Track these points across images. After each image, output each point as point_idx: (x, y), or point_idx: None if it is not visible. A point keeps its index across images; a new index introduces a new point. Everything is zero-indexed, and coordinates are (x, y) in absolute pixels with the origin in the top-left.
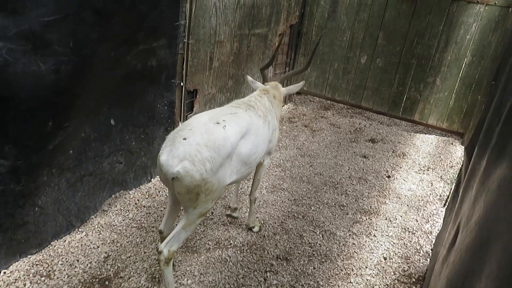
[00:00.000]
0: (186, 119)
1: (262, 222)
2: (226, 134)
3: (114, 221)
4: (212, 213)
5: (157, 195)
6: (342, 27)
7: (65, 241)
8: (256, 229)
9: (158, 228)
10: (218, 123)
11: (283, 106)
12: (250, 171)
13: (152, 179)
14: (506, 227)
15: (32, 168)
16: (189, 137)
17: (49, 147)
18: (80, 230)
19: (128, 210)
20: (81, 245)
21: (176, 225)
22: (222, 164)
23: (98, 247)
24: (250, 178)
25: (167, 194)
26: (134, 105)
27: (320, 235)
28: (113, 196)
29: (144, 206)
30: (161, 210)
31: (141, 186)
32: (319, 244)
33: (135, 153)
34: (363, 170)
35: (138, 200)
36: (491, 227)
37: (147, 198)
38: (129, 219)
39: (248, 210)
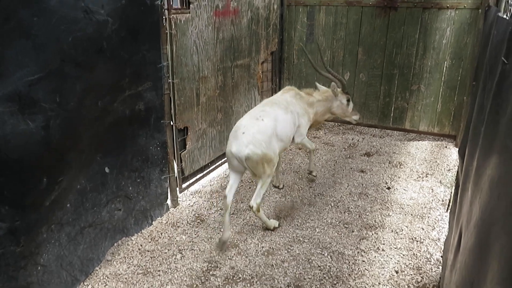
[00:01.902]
0: (180, 158)
1: (269, 248)
2: (266, 124)
3: (119, 270)
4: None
5: (159, 237)
6: (322, 47)
7: None
8: (314, 173)
9: (223, 193)
10: (257, 119)
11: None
12: (286, 144)
13: (153, 222)
14: (501, 228)
15: (31, 227)
16: (245, 131)
17: (46, 203)
18: (85, 283)
19: (132, 257)
20: None
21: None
22: (270, 141)
23: None
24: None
25: (229, 174)
26: (127, 150)
27: (329, 257)
28: (115, 244)
29: (147, 251)
30: (165, 252)
31: (142, 231)
32: (328, 266)
33: (133, 198)
34: (363, 184)
35: (141, 245)
36: (488, 228)
37: (150, 242)
38: (134, 266)
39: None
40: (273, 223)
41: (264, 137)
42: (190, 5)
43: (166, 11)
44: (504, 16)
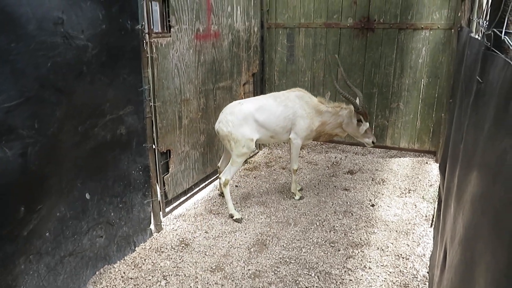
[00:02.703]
0: (163, 181)
1: (256, 271)
2: (242, 108)
3: None
4: (196, 280)
5: (143, 263)
6: (302, 68)
7: None
8: (296, 197)
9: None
10: (239, 103)
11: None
12: (274, 137)
13: (136, 248)
14: (486, 245)
15: (7, 259)
16: (223, 111)
17: (24, 233)
18: None
19: (115, 285)
20: None
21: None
22: (240, 123)
23: None
24: None
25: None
26: (108, 175)
27: (316, 277)
28: (97, 273)
29: (131, 278)
30: (149, 279)
31: (125, 257)
32: (316, 286)
33: (115, 224)
34: (347, 203)
35: (124, 273)
36: (473, 246)
37: (133, 269)
38: None
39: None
40: (235, 213)
41: (233, 118)
42: (171, 29)
43: (147, 35)
44: (476, 37)
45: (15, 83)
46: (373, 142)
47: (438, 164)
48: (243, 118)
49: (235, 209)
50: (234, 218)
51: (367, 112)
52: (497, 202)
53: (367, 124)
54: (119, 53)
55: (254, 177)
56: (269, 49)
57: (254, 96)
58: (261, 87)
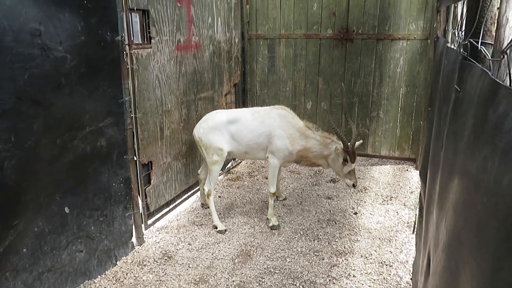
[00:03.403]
0: (145, 193)
1: (240, 282)
2: (215, 117)
3: None
4: None
5: (125, 278)
6: (283, 78)
7: None
8: (270, 223)
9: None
10: (216, 112)
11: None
12: (248, 152)
13: (118, 262)
14: (470, 252)
15: None
16: (201, 119)
17: (0, 250)
18: None
19: None
20: None
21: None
22: (210, 131)
23: None
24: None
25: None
26: (88, 188)
27: (301, 286)
28: None
29: None
30: None
31: (106, 272)
32: None
33: (96, 238)
34: (330, 211)
35: None
36: (456, 254)
37: (114, 284)
38: None
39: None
40: (219, 225)
41: (205, 125)
42: (152, 40)
43: (127, 47)
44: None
45: None
46: (353, 185)
47: (418, 171)
48: (214, 126)
49: (219, 220)
50: (217, 229)
51: (355, 153)
52: (479, 209)
53: (353, 165)
54: (99, 64)
55: (237, 187)
56: (250, 59)
57: (236, 106)
58: (242, 97)
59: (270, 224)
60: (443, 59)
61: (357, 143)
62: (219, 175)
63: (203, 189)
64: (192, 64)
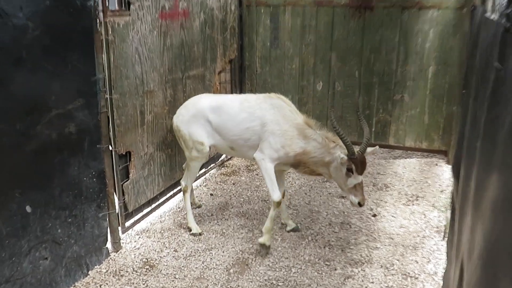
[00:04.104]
0: (122, 190)
1: None
2: (198, 101)
3: None
4: None
5: None
6: (289, 54)
7: None
8: (261, 240)
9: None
10: (201, 96)
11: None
12: (234, 149)
13: (90, 272)
14: (511, 259)
15: None
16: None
17: None
18: None
19: None
20: None
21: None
22: (189, 120)
23: None
24: None
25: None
26: (54, 183)
27: None
28: None
29: None
30: None
31: (76, 284)
32: None
33: (63, 243)
34: (344, 213)
35: None
36: (495, 260)
37: None
38: None
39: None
40: (194, 227)
41: (184, 112)
42: (131, 6)
43: (101, 14)
44: (492, 17)
45: None
46: (359, 204)
47: (450, 166)
48: (193, 115)
49: (194, 221)
50: (191, 232)
51: (365, 163)
52: None
53: (360, 178)
54: (67, 35)
55: (233, 184)
56: (249, 31)
57: (231, 86)
58: (239, 76)
59: (260, 240)
60: (481, 31)
61: (369, 150)
62: (211, 169)
63: (181, 183)
64: (179, 36)
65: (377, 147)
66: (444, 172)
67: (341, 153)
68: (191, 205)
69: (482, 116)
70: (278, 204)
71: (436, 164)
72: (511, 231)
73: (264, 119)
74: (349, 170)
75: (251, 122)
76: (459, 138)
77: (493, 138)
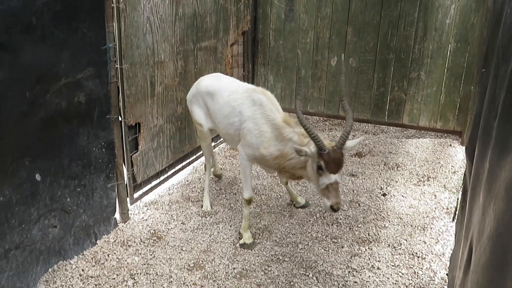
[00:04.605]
0: (131, 161)
1: (242, 270)
2: (202, 81)
3: None
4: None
5: (106, 260)
6: (304, 27)
7: None
8: (240, 240)
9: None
10: (206, 77)
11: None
12: (225, 139)
13: (98, 241)
14: None
15: None
16: None
17: None
18: None
19: (72, 285)
20: None
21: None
22: (192, 99)
23: None
24: None
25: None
26: (63, 153)
27: (314, 278)
28: (50, 270)
29: (91, 277)
30: (114, 278)
31: (84, 252)
32: None
33: (72, 212)
34: (353, 191)
35: (82, 270)
36: (505, 242)
37: (94, 266)
38: None
39: None
40: (206, 204)
41: (193, 90)
42: None
43: None
44: None
45: None
46: (332, 208)
47: (464, 147)
48: (194, 95)
49: (209, 198)
50: (202, 208)
51: (339, 160)
52: None
53: (332, 178)
54: (77, 2)
55: None
56: (263, 2)
57: (244, 59)
58: (252, 49)
59: (241, 242)
60: (506, 7)
61: (349, 143)
62: (221, 143)
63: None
64: (191, 5)
65: (362, 137)
66: (457, 153)
67: (313, 148)
68: (215, 175)
69: (501, 95)
70: (248, 202)
71: (450, 145)
72: None
73: (243, 116)
74: (320, 168)
75: (233, 117)
76: (475, 118)
77: None
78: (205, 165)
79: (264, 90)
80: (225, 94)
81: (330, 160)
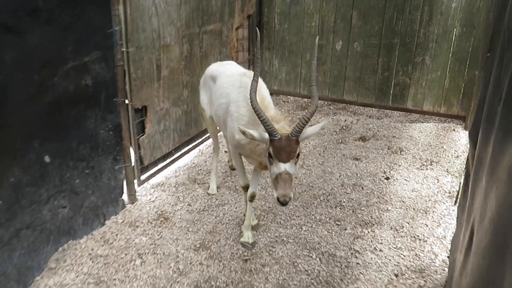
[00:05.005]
0: (138, 144)
1: (247, 250)
2: (210, 67)
3: (65, 279)
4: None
5: (114, 239)
6: (309, 10)
7: None
8: (240, 238)
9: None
10: (215, 64)
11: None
12: (217, 119)
13: (106, 221)
14: None
15: None
16: None
17: None
18: None
19: (81, 264)
20: None
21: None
22: (202, 84)
23: None
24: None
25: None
26: (71, 135)
27: (317, 259)
28: (60, 249)
29: (100, 256)
30: (122, 258)
31: (93, 232)
32: (317, 270)
33: (81, 193)
34: (357, 174)
35: (92, 250)
36: (507, 225)
37: (102, 246)
38: (84, 275)
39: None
40: (212, 187)
41: (203, 76)
42: None
43: None
44: None
45: None
46: (278, 200)
47: (467, 132)
48: (203, 79)
49: (215, 181)
50: (208, 190)
51: (291, 148)
52: None
53: (282, 167)
54: None
55: None
56: None
57: (249, 43)
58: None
59: (241, 240)
60: None
61: (309, 130)
62: None
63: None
64: None
65: (324, 122)
66: (461, 138)
67: (264, 132)
68: (232, 168)
69: (506, 80)
70: (246, 190)
71: (454, 130)
72: None
73: (229, 98)
74: (270, 156)
75: (222, 98)
76: (479, 103)
77: None
78: (213, 148)
79: (250, 71)
80: (222, 78)
81: (280, 148)
